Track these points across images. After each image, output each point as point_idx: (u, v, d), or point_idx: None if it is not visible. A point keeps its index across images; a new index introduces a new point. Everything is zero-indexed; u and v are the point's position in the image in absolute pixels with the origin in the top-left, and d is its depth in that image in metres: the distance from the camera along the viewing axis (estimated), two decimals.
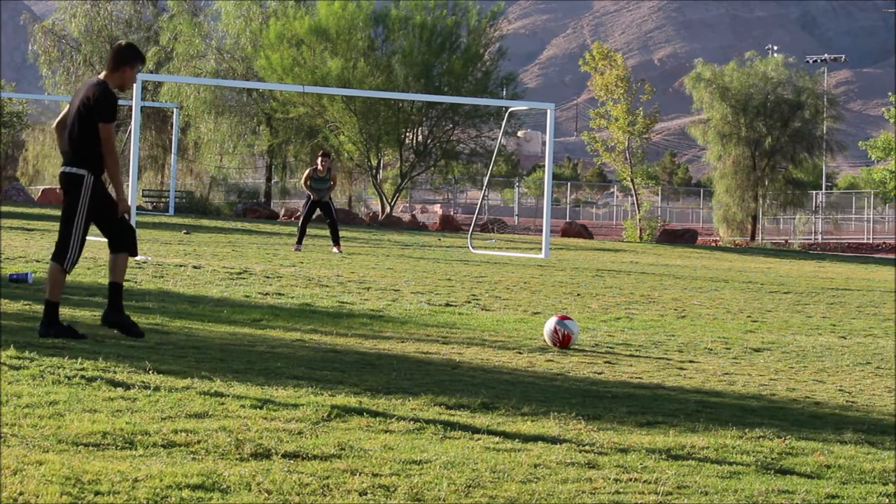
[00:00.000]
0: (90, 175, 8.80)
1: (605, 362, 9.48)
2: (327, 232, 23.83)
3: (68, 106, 9.06)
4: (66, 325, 8.86)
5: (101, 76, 8.98)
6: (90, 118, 8.77)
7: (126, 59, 8.96)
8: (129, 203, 9.15)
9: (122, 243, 8.95)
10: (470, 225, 32.81)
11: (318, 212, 23.25)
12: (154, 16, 52.86)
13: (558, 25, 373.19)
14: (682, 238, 45.46)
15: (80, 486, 4.69)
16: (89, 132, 8.79)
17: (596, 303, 14.96)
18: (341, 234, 24.17)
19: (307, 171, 23.46)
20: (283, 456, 5.46)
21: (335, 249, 22.88)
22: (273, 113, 47.74)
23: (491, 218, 53.10)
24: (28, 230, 24.59)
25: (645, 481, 5.40)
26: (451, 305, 13.39)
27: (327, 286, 14.87)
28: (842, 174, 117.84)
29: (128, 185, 21.67)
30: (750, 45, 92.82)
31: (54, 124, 9.10)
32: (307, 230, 23.71)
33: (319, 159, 23.23)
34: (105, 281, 13.70)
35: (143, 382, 7.04)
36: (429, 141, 48.51)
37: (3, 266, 14.47)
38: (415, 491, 4.99)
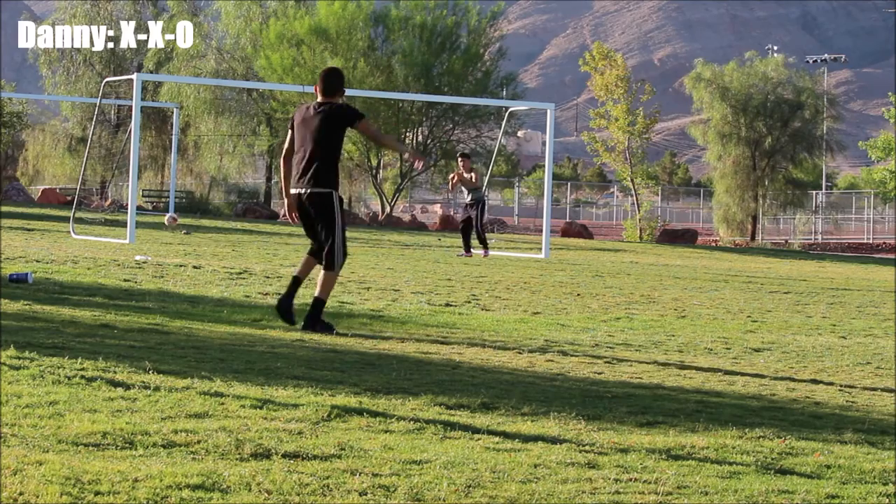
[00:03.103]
0: (336, 193, 10.15)
1: (605, 362, 9.47)
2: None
3: (293, 138, 10.23)
4: (327, 323, 10.15)
5: (320, 100, 10.20)
6: (344, 127, 10.10)
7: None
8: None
9: (329, 261, 10.14)
10: None
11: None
12: (154, 16, 52.87)
13: (558, 25, 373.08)
14: (682, 238, 45.46)
15: (80, 486, 4.69)
16: (334, 152, 10.12)
17: (596, 303, 14.95)
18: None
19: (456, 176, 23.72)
20: (283, 456, 5.45)
21: (482, 253, 23.91)
22: (273, 113, 47.73)
23: (491, 218, 53.09)
24: (28, 230, 24.60)
25: (645, 481, 5.40)
26: (451, 305, 13.38)
27: None
28: (842, 174, 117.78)
29: (129, 185, 21.67)
30: (750, 45, 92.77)
31: (282, 159, 10.34)
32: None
33: (461, 161, 23.77)
34: (105, 281, 13.74)
35: (143, 382, 7.03)
36: (429, 141, 48.49)
37: (3, 266, 14.46)
38: (415, 491, 4.99)
